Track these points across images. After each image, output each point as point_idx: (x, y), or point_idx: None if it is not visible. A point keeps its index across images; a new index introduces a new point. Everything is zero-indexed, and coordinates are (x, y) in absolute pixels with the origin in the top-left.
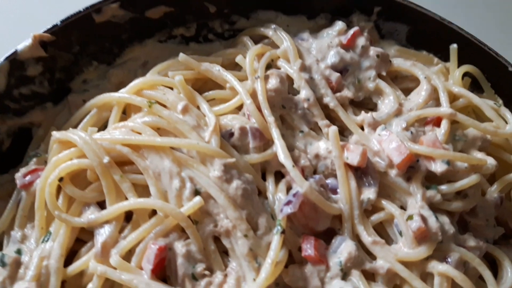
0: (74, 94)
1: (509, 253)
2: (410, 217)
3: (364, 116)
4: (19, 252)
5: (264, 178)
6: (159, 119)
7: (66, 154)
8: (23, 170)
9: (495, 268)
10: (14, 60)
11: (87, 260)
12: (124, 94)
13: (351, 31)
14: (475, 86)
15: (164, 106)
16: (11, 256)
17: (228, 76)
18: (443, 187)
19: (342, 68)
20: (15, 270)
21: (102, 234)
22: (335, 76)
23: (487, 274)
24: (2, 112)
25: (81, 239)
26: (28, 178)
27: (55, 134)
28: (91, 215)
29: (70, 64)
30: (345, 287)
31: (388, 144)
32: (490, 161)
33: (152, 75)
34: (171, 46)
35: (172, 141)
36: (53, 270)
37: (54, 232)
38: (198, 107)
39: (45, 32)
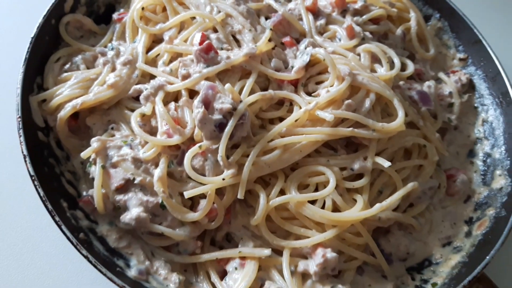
0: None
1: None
2: (343, 23)
3: None
4: (118, 48)
5: None
6: None
7: None
8: (117, 13)
9: None
10: None
11: (159, 48)
12: None
13: None
14: None
15: None
16: (115, 46)
17: None
18: (364, 16)
19: None
20: (118, 52)
21: (168, 34)
22: None
23: (393, 56)
24: None
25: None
26: (120, 15)
27: None
28: (161, 26)
29: None
30: (305, 50)
31: None
32: (393, 9)
33: None
34: None
35: None
36: (140, 53)
37: (138, 38)
38: None
39: None
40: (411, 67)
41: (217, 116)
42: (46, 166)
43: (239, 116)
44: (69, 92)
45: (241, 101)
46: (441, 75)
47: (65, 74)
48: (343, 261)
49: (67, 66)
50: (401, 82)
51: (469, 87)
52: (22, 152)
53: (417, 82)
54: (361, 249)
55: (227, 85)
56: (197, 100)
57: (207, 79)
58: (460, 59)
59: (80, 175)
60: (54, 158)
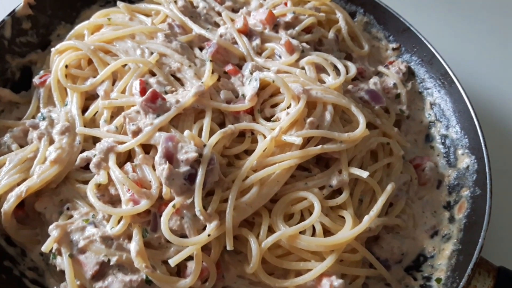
0: (53, 42)
1: None
2: (280, 40)
3: (242, 11)
4: (50, 116)
5: None
6: (118, 26)
7: (67, 52)
8: (37, 76)
9: None
10: (14, 16)
11: (96, 105)
12: (91, 20)
13: None
14: None
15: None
16: (47, 114)
17: (152, 5)
18: (297, 28)
19: None
20: (51, 121)
21: (101, 88)
22: None
23: (335, 62)
24: (11, 53)
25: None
26: (42, 79)
27: (54, 49)
28: (91, 81)
29: (47, 23)
30: (253, 76)
31: (258, 15)
32: (321, 14)
33: None
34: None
35: (128, 30)
36: (76, 116)
37: (69, 99)
38: None
39: None
40: (353, 68)
41: (184, 168)
42: (2, 273)
43: (207, 162)
44: (8, 181)
45: (204, 145)
46: (381, 68)
47: None
48: (348, 283)
49: None
50: (349, 86)
51: (409, 74)
52: None
53: (362, 82)
54: (359, 264)
55: (186, 132)
56: (158, 156)
57: (160, 129)
58: (394, 49)
59: (43, 268)
60: (8, 259)
